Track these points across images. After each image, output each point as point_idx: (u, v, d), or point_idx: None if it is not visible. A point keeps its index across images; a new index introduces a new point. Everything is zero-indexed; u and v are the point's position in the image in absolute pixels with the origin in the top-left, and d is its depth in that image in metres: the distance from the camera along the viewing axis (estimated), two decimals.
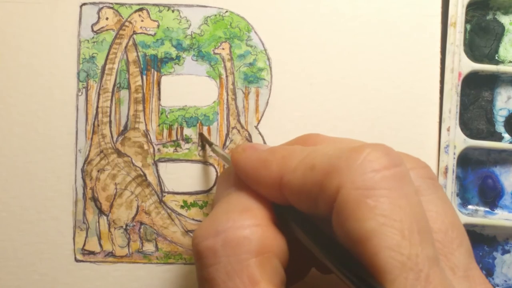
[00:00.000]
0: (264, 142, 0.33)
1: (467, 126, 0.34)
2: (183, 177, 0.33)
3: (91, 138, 0.33)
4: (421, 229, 0.18)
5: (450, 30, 0.33)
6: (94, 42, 0.33)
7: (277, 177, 0.21)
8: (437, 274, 0.18)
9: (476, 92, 0.34)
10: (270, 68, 0.33)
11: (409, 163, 0.21)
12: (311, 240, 0.20)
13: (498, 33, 0.34)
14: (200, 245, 0.21)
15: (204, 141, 0.32)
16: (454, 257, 0.19)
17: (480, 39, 0.34)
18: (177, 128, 0.33)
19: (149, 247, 0.33)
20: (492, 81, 0.34)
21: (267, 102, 0.33)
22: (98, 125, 0.33)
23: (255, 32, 0.33)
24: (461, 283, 0.19)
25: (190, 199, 0.33)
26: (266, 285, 0.19)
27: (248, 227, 0.20)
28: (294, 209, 0.21)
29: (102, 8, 0.33)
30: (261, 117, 0.33)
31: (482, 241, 0.34)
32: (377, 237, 0.18)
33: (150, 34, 0.33)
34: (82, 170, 0.33)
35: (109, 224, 0.33)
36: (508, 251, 0.34)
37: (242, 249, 0.20)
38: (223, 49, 0.33)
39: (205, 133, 0.33)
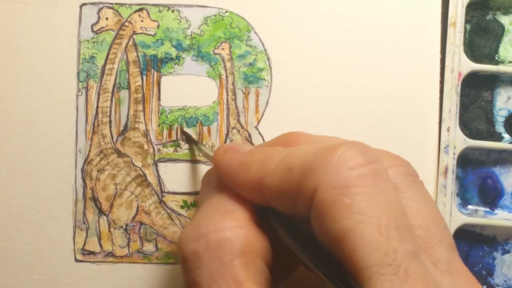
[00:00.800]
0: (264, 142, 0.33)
1: (467, 126, 0.34)
2: (183, 177, 0.33)
3: (91, 138, 0.33)
4: (400, 225, 0.18)
5: (450, 30, 0.33)
6: (94, 42, 0.33)
7: (257, 179, 0.21)
8: (417, 268, 0.18)
9: (476, 92, 0.34)
10: (270, 68, 0.33)
11: (388, 160, 0.21)
12: (291, 240, 0.21)
13: (498, 33, 0.34)
14: (184, 249, 0.21)
15: (188, 139, 0.32)
16: (436, 252, 0.19)
17: (480, 39, 0.34)
18: (177, 128, 0.33)
19: (149, 247, 0.33)
20: (492, 81, 0.34)
21: (267, 102, 0.33)
22: (98, 125, 0.33)
23: (255, 32, 0.33)
24: (444, 277, 0.19)
25: (190, 199, 0.33)
26: (251, 285, 0.19)
27: (230, 229, 0.20)
28: (275, 210, 0.21)
29: (102, 8, 0.33)
30: (261, 117, 0.33)
31: (482, 241, 0.34)
32: (354, 235, 0.18)
33: (150, 34, 0.33)
34: (82, 170, 0.33)
35: (109, 224, 0.33)
36: (508, 251, 0.34)
37: (225, 251, 0.20)
38: (223, 49, 0.33)
39: (206, 133, 0.33)
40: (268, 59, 0.33)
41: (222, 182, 0.23)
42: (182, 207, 0.33)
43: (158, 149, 0.33)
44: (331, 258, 0.19)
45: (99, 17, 0.33)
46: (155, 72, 0.33)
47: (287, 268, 0.25)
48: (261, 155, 0.22)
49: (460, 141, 0.33)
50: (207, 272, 0.20)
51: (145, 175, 0.33)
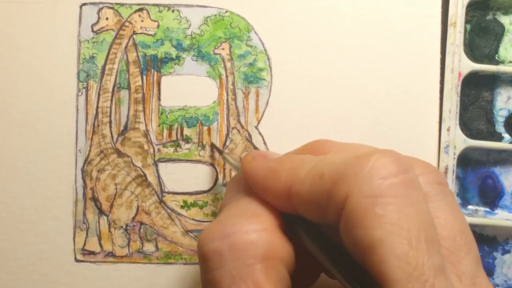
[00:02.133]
0: (264, 142, 0.33)
1: (467, 126, 0.34)
2: (183, 177, 0.33)
3: (91, 138, 0.33)
4: (428, 238, 0.18)
5: (450, 30, 0.33)
6: (94, 42, 0.33)
7: (286, 187, 0.21)
8: (442, 284, 0.18)
9: (476, 92, 0.34)
10: (270, 68, 0.33)
11: (418, 168, 0.21)
12: (318, 249, 0.20)
13: (498, 33, 0.34)
14: (206, 247, 0.20)
15: (215, 150, 0.33)
16: (462, 264, 0.19)
17: (480, 39, 0.34)
18: (177, 128, 0.33)
19: (149, 247, 0.33)
20: (492, 81, 0.34)
21: (267, 102, 0.33)
22: (98, 125, 0.33)
23: (255, 32, 0.33)
24: None
25: (190, 199, 0.33)
26: None
27: (255, 231, 0.20)
28: (302, 218, 0.21)
29: (102, 8, 0.33)
30: (261, 117, 0.33)
31: (482, 241, 0.34)
32: (384, 246, 0.18)
33: (150, 34, 0.33)
34: (82, 170, 0.33)
35: (109, 224, 0.33)
36: (508, 251, 0.34)
37: (249, 253, 0.20)
38: (223, 49, 0.33)
39: (206, 133, 0.33)
40: (268, 59, 0.33)
41: (249, 187, 0.23)
42: (182, 207, 0.33)
43: (158, 149, 0.33)
44: (357, 268, 0.19)
45: (99, 17, 0.33)
46: (155, 72, 0.33)
47: (308, 277, 0.24)
48: (290, 162, 0.22)
49: (460, 141, 0.33)
50: (228, 272, 0.19)
51: (145, 175, 0.33)
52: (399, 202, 0.18)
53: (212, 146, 0.33)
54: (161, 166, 0.33)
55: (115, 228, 0.33)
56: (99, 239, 0.33)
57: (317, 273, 0.25)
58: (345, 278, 0.19)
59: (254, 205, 0.22)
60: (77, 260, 0.33)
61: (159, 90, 0.33)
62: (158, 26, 0.33)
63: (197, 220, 0.33)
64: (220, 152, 0.32)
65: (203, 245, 0.21)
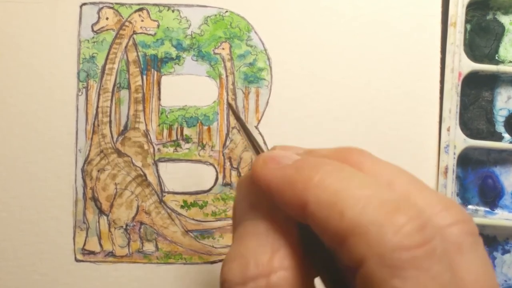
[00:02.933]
0: (264, 142, 0.33)
1: (467, 126, 0.34)
2: (183, 177, 0.33)
3: (91, 138, 0.33)
4: None
5: (450, 30, 0.33)
6: (94, 42, 0.33)
7: (302, 202, 0.20)
8: None
9: (476, 92, 0.34)
10: (270, 68, 0.33)
11: (453, 215, 0.20)
12: (326, 272, 0.20)
13: (498, 33, 0.34)
14: None
15: (232, 112, 0.30)
16: None
17: (480, 39, 0.34)
18: (177, 128, 0.33)
19: (149, 247, 0.33)
20: (492, 81, 0.34)
21: (267, 102, 0.33)
22: (98, 125, 0.33)
23: (255, 32, 0.33)
24: None
25: (190, 199, 0.33)
26: None
27: (278, 271, 0.19)
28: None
29: (102, 8, 0.33)
30: (261, 117, 0.33)
31: (483, 241, 0.34)
32: None
33: (150, 34, 0.33)
34: (82, 170, 0.33)
35: (109, 224, 0.33)
36: (508, 251, 0.34)
37: None
38: (223, 49, 0.33)
39: (206, 132, 0.33)
40: (268, 59, 0.33)
41: (262, 199, 0.22)
42: (182, 207, 0.33)
43: (158, 149, 0.33)
44: None
45: (99, 17, 0.33)
46: (155, 72, 0.33)
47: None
48: (309, 171, 0.20)
49: (460, 141, 0.33)
50: None
51: (145, 175, 0.33)
52: (419, 275, 0.18)
53: (229, 106, 0.31)
54: (161, 166, 0.33)
55: (115, 228, 0.33)
56: (99, 239, 0.33)
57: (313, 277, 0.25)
58: None
59: (273, 235, 0.21)
60: (77, 260, 0.33)
61: (159, 90, 0.33)
62: (158, 26, 0.33)
63: (197, 220, 0.33)
64: (237, 118, 0.29)
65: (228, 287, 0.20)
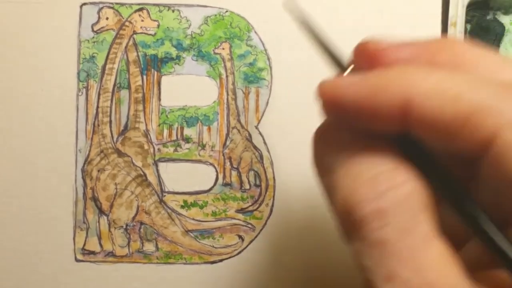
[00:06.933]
0: (264, 142, 0.33)
1: None
2: (183, 177, 0.33)
3: (91, 138, 0.33)
4: None
5: (450, 30, 0.33)
6: (94, 42, 0.33)
7: (402, 100, 0.18)
8: None
9: None
10: (270, 68, 0.33)
11: None
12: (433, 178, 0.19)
13: (499, 33, 0.34)
14: (364, 210, 0.18)
15: (308, 31, 0.26)
16: None
17: (481, 39, 0.34)
18: (177, 128, 0.33)
19: (149, 247, 0.33)
20: None
21: (267, 102, 0.33)
22: (98, 125, 0.33)
23: (255, 32, 0.33)
24: None
25: (190, 199, 0.33)
26: (439, 242, 0.18)
27: (404, 184, 0.18)
28: (412, 140, 0.19)
29: (102, 8, 0.33)
30: (261, 116, 0.33)
31: None
32: None
33: (150, 34, 0.33)
34: (82, 170, 0.33)
35: (109, 224, 0.33)
36: None
37: (409, 206, 0.18)
38: (223, 49, 0.33)
39: (206, 132, 0.33)
40: (268, 59, 0.33)
41: (354, 141, 0.20)
42: (182, 207, 0.33)
43: (159, 149, 0.33)
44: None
45: (99, 17, 0.33)
46: (155, 72, 0.33)
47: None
48: (400, 72, 0.19)
49: None
50: (396, 228, 0.18)
51: (145, 175, 0.33)
52: None
53: (303, 25, 0.25)
54: (161, 166, 0.33)
55: (115, 228, 0.33)
56: (99, 239, 0.33)
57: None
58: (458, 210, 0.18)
59: (384, 158, 0.19)
60: (77, 260, 0.33)
61: (159, 89, 0.33)
62: (158, 25, 0.33)
63: (197, 220, 0.33)
64: (301, 19, 0.24)
65: (360, 208, 0.19)
